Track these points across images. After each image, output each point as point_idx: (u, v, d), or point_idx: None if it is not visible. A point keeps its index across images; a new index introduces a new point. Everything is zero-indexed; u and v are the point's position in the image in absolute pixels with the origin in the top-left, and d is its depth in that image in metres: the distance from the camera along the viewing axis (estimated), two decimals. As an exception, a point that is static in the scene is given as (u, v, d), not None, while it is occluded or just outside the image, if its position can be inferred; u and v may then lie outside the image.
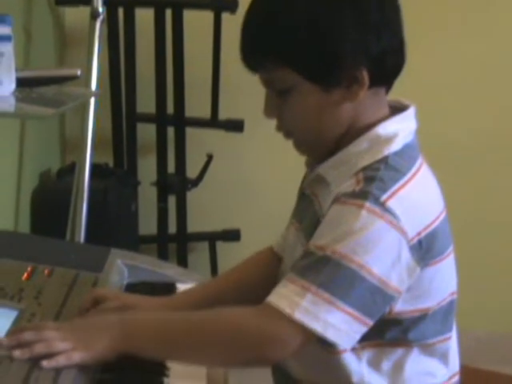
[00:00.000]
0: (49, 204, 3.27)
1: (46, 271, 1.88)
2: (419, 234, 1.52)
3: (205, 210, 3.79)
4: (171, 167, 3.64)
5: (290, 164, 3.80)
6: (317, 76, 1.57)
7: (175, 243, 3.72)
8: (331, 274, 1.47)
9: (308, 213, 1.67)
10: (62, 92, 2.17)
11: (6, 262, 1.89)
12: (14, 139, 3.04)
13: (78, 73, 2.30)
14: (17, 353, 1.45)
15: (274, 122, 1.65)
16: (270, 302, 1.50)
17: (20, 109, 1.98)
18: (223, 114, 3.59)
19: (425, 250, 1.54)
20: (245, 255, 3.93)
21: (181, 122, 3.59)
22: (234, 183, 3.83)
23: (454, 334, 1.68)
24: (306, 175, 1.75)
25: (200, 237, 3.80)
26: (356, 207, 1.49)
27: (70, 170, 3.33)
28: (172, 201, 3.67)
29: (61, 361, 1.46)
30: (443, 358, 1.66)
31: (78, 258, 2.02)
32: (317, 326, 1.47)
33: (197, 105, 3.57)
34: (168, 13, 3.47)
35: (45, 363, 1.44)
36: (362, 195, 1.50)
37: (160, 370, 1.61)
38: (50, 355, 1.46)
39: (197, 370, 1.66)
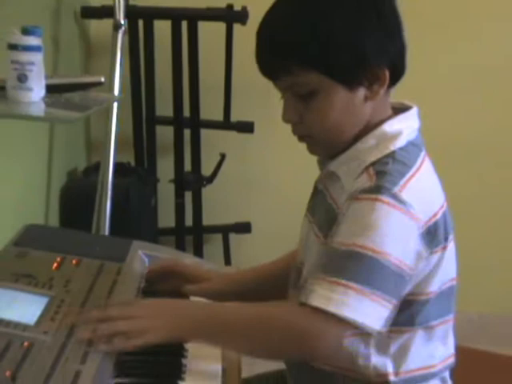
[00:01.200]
0: (76, 200, 3.28)
1: (73, 261, 1.88)
2: (428, 221, 1.52)
3: (218, 205, 3.80)
4: (187, 166, 3.64)
5: (297, 162, 3.81)
6: (343, 76, 1.54)
7: (191, 235, 3.72)
8: (356, 266, 1.46)
9: (321, 206, 1.67)
10: (88, 97, 2.17)
11: (38, 253, 1.89)
12: (44, 141, 3.05)
13: (102, 80, 2.30)
14: (81, 332, 1.47)
15: (282, 124, 1.64)
16: (305, 302, 1.47)
17: (49, 113, 1.98)
18: (235, 117, 3.59)
19: (432, 237, 1.54)
20: (255, 246, 3.96)
21: (196, 124, 3.60)
22: (245, 180, 3.84)
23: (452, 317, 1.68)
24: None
25: (214, 229, 3.80)
26: (371, 201, 1.48)
27: (95, 169, 3.34)
28: (188, 196, 3.68)
29: (130, 344, 1.46)
30: (443, 339, 1.66)
31: (102, 249, 2.03)
32: (355, 316, 1.45)
33: (211, 108, 3.57)
34: (184, 24, 3.47)
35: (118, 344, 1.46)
36: (375, 189, 1.49)
37: (178, 352, 1.62)
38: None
39: (212, 351, 1.67)
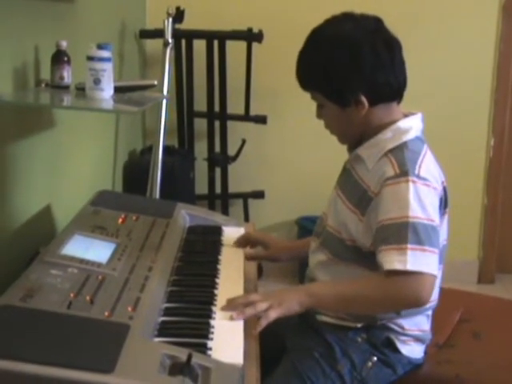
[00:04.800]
0: (135, 173, 3.27)
1: (134, 217, 1.90)
2: (440, 190, 1.57)
3: (240, 177, 3.78)
4: (217, 148, 3.64)
5: (298, 146, 3.82)
6: (334, 99, 1.62)
7: (220, 200, 3.72)
8: (413, 233, 1.48)
9: (348, 182, 1.69)
10: (144, 96, 2.17)
11: (108, 211, 1.91)
12: (112, 128, 3.06)
13: (155, 83, 2.31)
14: (234, 315, 1.44)
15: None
16: (389, 269, 1.47)
17: (116, 107, 1.99)
18: (253, 111, 3.57)
19: (441, 202, 1.58)
20: (267, 209, 3.96)
21: (224, 116, 3.58)
22: (260, 159, 3.83)
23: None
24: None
25: (237, 195, 3.79)
26: (404, 183, 1.51)
27: (149, 150, 3.33)
28: (218, 171, 3.67)
29: (263, 323, 1.45)
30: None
31: (155, 209, 2.04)
32: (426, 269, 1.46)
33: (235, 105, 3.56)
34: (215, 42, 3.46)
35: (253, 331, 1.44)
36: (404, 174, 1.53)
37: (211, 285, 1.63)
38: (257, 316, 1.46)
39: (236, 281, 1.67)
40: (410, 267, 1.45)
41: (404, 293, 1.48)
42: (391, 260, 1.47)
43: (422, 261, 1.46)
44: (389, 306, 1.55)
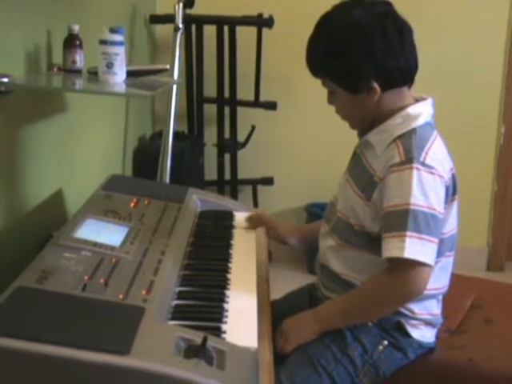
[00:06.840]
0: (145, 158, 3.27)
1: (146, 202, 1.91)
2: (447, 178, 1.56)
3: (249, 164, 3.79)
4: (227, 134, 3.63)
5: (307, 132, 3.81)
6: (345, 86, 1.61)
7: (229, 186, 3.73)
8: (413, 220, 1.48)
9: (357, 167, 1.69)
10: (156, 80, 2.17)
11: (119, 195, 1.92)
12: (122, 113, 3.06)
13: (168, 67, 2.30)
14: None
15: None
16: (388, 257, 1.50)
17: (128, 91, 1.99)
18: (263, 98, 3.56)
19: (448, 190, 1.57)
20: (276, 195, 3.96)
21: (234, 102, 3.58)
22: (270, 145, 3.82)
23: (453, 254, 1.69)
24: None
25: (246, 182, 3.79)
26: (408, 170, 1.51)
27: (158, 135, 3.34)
28: (227, 157, 3.67)
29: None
30: (446, 269, 1.68)
31: (167, 193, 2.04)
32: (422, 258, 1.48)
33: (245, 91, 3.55)
34: (225, 28, 3.45)
35: None
36: (409, 161, 1.52)
37: (223, 269, 1.63)
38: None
39: (248, 266, 1.68)
40: (407, 255, 1.46)
41: (401, 281, 1.50)
42: (391, 247, 1.49)
43: (418, 249, 1.47)
44: (390, 299, 1.56)
